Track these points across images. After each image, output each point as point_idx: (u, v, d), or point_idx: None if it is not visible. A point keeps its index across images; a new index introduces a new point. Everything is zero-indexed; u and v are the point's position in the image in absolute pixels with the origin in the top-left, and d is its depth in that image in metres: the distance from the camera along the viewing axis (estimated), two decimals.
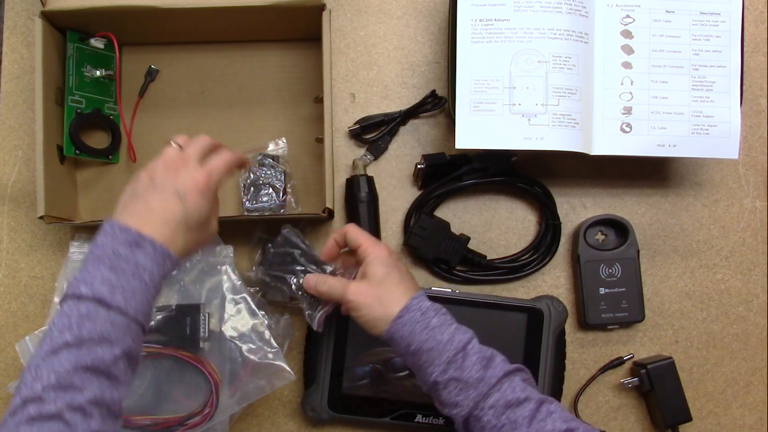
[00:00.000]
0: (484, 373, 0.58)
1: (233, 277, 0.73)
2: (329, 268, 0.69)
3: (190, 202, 0.57)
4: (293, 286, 0.69)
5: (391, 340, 0.62)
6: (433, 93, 0.78)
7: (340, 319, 0.73)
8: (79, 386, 0.50)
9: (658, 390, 0.74)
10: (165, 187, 0.57)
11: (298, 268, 0.69)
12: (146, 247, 0.54)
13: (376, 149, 0.79)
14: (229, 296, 0.72)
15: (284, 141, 0.77)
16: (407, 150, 0.79)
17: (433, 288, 0.75)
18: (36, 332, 0.70)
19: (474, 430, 0.59)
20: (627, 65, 0.71)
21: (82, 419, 0.49)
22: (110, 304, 0.52)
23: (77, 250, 0.74)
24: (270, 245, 0.72)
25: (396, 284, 0.62)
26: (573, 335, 0.78)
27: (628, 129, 0.70)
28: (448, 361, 0.58)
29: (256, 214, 0.75)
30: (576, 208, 0.79)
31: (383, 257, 0.64)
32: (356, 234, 0.66)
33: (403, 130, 0.80)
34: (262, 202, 0.75)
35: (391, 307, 0.61)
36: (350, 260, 0.68)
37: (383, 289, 0.62)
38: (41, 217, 0.69)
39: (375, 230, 0.75)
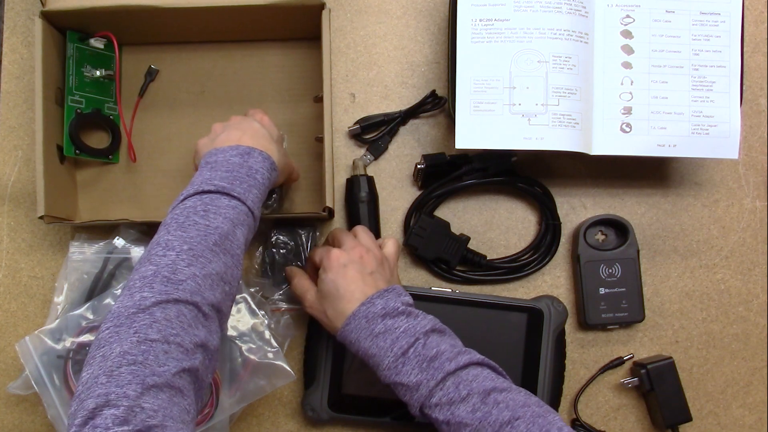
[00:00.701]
0: (423, 377, 0.59)
1: None
2: None
3: (265, 123, 0.67)
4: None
5: (342, 343, 0.64)
6: (433, 93, 0.78)
7: None
8: (209, 258, 0.54)
9: (658, 390, 0.74)
10: (240, 121, 0.65)
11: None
12: (255, 155, 0.61)
13: (376, 149, 0.79)
14: None
15: (285, 137, 0.77)
16: (407, 150, 0.79)
17: (433, 288, 0.75)
18: (36, 332, 0.70)
19: (434, 424, 0.60)
20: (627, 65, 0.71)
21: (210, 287, 0.53)
22: (231, 193, 0.58)
23: (77, 250, 0.74)
24: (273, 234, 0.74)
25: (337, 297, 0.63)
26: (573, 335, 0.78)
27: (628, 129, 0.70)
28: (388, 367, 0.60)
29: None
30: (576, 208, 0.79)
31: (328, 266, 0.64)
32: (331, 237, 0.69)
33: (403, 130, 0.80)
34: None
35: (335, 321, 0.63)
36: None
37: (327, 304, 0.64)
38: (41, 217, 0.69)
39: (375, 230, 0.75)
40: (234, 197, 0.57)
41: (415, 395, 0.59)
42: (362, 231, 0.69)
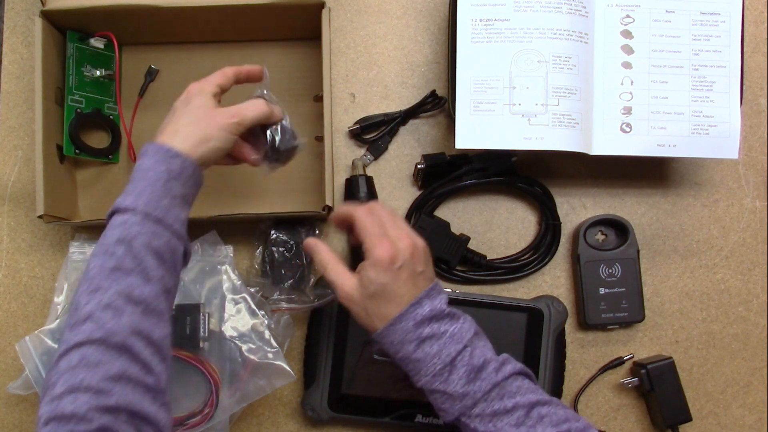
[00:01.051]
0: (470, 388, 0.57)
1: (233, 277, 0.73)
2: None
3: (180, 102, 0.62)
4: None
5: (379, 342, 0.60)
6: (433, 93, 0.78)
7: (340, 320, 0.73)
8: (105, 287, 0.52)
9: (658, 390, 0.74)
10: (180, 107, 0.62)
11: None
12: (149, 152, 0.58)
13: (376, 149, 0.79)
14: (229, 296, 0.72)
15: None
16: (407, 150, 0.79)
17: None
18: (36, 332, 0.70)
19: (461, 429, 0.59)
20: (627, 65, 0.71)
21: (112, 316, 0.51)
22: (122, 207, 0.56)
23: (77, 250, 0.74)
24: (273, 233, 0.74)
25: (386, 300, 0.58)
26: (573, 335, 0.78)
27: (628, 129, 0.70)
28: (434, 374, 0.57)
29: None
30: (576, 208, 0.79)
31: (383, 265, 0.58)
32: (362, 229, 0.60)
33: (403, 130, 0.80)
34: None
35: (377, 322, 0.58)
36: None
37: (371, 303, 0.58)
38: (40, 216, 0.69)
39: None
40: (127, 211, 0.55)
41: (458, 405, 0.57)
42: (398, 215, 0.62)
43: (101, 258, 0.54)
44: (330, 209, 0.69)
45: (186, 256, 0.59)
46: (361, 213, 0.60)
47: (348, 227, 0.63)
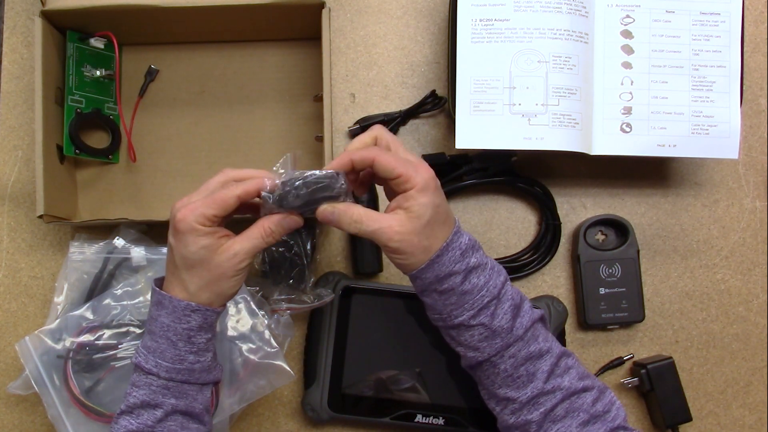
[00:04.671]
0: (513, 323, 0.55)
1: None
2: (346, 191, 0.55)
3: (176, 242, 0.55)
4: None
5: (417, 278, 0.55)
6: (433, 93, 0.78)
7: (340, 319, 0.73)
8: None
9: (658, 390, 0.74)
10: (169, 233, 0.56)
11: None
12: (166, 305, 0.56)
13: None
14: None
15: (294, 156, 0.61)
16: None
17: None
18: (36, 332, 0.70)
19: (485, 373, 0.57)
20: (627, 65, 0.71)
21: None
22: (145, 369, 0.56)
23: (77, 250, 0.74)
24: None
25: (440, 223, 0.54)
26: (573, 335, 0.78)
27: (628, 129, 0.70)
28: (481, 307, 0.55)
29: None
30: (576, 208, 0.79)
31: (431, 187, 0.53)
32: (390, 163, 0.53)
33: (403, 130, 0.80)
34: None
35: (431, 250, 0.54)
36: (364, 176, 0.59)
37: (429, 233, 0.53)
38: (40, 216, 0.69)
39: None
40: (150, 373, 0.56)
41: (498, 342, 0.55)
42: (399, 140, 0.58)
43: (126, 419, 0.55)
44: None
45: (218, 383, 0.60)
46: (378, 152, 0.54)
47: (359, 171, 0.57)
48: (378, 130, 0.57)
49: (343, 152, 0.55)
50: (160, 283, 0.58)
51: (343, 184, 0.54)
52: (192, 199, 0.55)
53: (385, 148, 0.56)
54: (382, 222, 0.53)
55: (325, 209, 0.55)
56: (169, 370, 0.55)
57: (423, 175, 0.54)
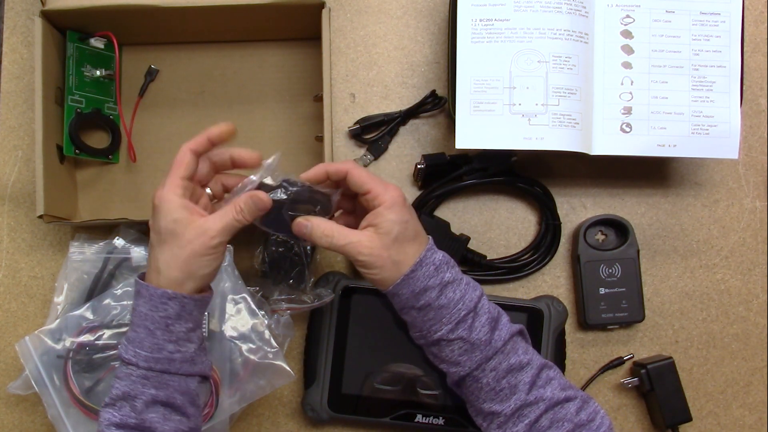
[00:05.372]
0: (492, 336, 0.56)
1: (233, 277, 0.73)
2: (332, 194, 0.58)
3: (152, 220, 0.55)
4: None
5: (395, 295, 0.57)
6: (433, 93, 0.78)
7: (340, 319, 0.73)
8: None
9: (658, 390, 0.74)
10: (155, 238, 0.56)
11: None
12: (143, 293, 0.55)
13: (376, 149, 0.79)
14: (229, 296, 0.72)
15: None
16: (407, 150, 0.79)
17: None
18: (36, 332, 0.70)
19: (468, 389, 0.58)
20: (627, 65, 0.71)
21: None
22: (125, 359, 0.55)
23: (77, 250, 0.74)
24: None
25: (410, 240, 0.56)
26: (573, 335, 0.78)
27: (628, 129, 0.70)
28: (458, 320, 0.56)
29: None
30: (576, 208, 0.79)
31: (398, 207, 0.56)
32: (362, 177, 0.57)
33: (403, 130, 0.80)
34: None
35: (403, 267, 0.56)
36: (344, 202, 0.62)
37: (397, 249, 0.56)
38: (40, 216, 0.69)
39: None
40: (130, 364, 0.55)
41: (478, 355, 0.56)
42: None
43: (109, 412, 0.55)
44: None
45: (206, 379, 0.59)
46: (353, 165, 0.58)
47: (334, 183, 0.59)
48: (353, 167, 0.58)
49: (319, 164, 0.58)
50: (142, 276, 0.57)
51: (330, 207, 0.58)
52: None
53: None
54: (352, 237, 0.56)
55: (299, 222, 0.57)
56: (147, 359, 0.54)
57: (391, 192, 0.56)
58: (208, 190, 0.60)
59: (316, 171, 0.58)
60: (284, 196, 0.57)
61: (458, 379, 0.58)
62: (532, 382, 0.56)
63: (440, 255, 0.58)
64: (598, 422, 0.57)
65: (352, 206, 0.62)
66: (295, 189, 0.57)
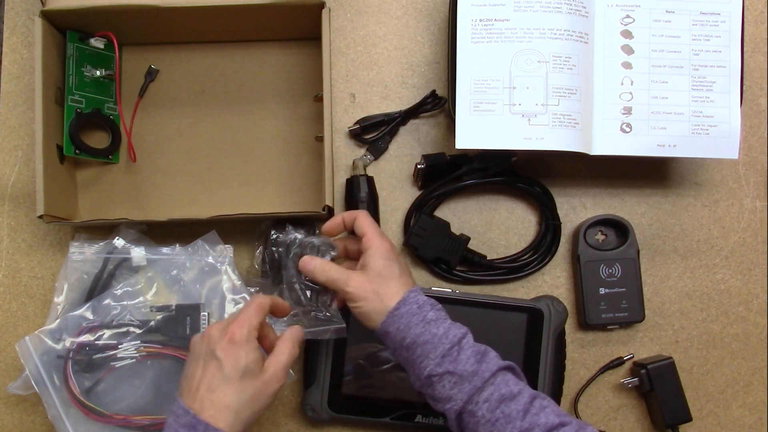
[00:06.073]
0: (479, 367, 0.58)
1: (233, 277, 0.73)
2: (332, 254, 0.68)
3: (227, 355, 0.56)
4: (291, 271, 0.68)
5: (385, 333, 0.62)
6: (433, 93, 0.78)
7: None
8: None
9: (658, 390, 0.74)
10: (204, 354, 0.57)
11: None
12: (200, 430, 0.54)
13: (376, 149, 0.79)
14: (229, 296, 0.72)
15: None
16: (407, 150, 0.79)
17: (433, 288, 0.75)
18: (36, 332, 0.70)
19: (468, 426, 0.59)
20: (627, 65, 0.71)
21: None
22: None
23: (77, 250, 0.74)
24: (273, 233, 0.72)
25: (395, 277, 0.63)
26: (573, 335, 0.78)
27: (628, 129, 0.70)
28: (443, 354, 0.59)
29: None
30: (576, 208, 0.79)
31: (384, 250, 0.64)
32: (365, 222, 0.66)
33: (403, 130, 0.80)
34: None
35: (387, 300, 0.61)
36: (352, 246, 0.69)
37: (381, 282, 0.62)
38: (40, 216, 0.69)
39: None
40: None
41: (467, 387, 0.58)
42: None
43: None
44: (330, 209, 0.69)
45: None
46: (365, 214, 0.67)
47: (348, 228, 0.68)
48: (362, 213, 0.67)
49: (336, 216, 0.68)
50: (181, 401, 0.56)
51: (334, 254, 0.68)
52: (226, 321, 0.60)
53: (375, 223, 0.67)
54: (343, 273, 0.64)
55: (305, 259, 0.67)
56: None
57: (383, 240, 0.65)
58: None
59: (333, 223, 0.68)
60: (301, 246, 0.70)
61: (456, 417, 0.59)
62: (526, 409, 0.57)
63: (424, 298, 0.62)
64: None
65: (357, 256, 0.67)
66: (312, 244, 0.69)
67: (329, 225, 0.68)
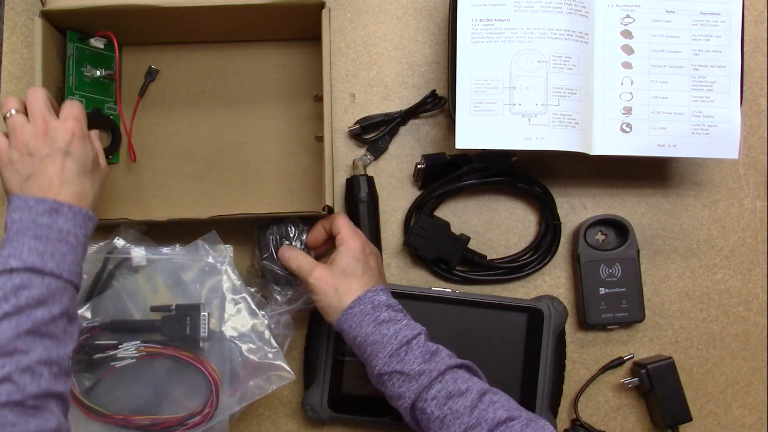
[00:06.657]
0: (426, 367, 0.59)
1: (233, 277, 0.73)
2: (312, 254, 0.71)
3: (76, 151, 0.60)
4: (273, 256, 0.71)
5: (340, 330, 0.64)
6: (433, 93, 0.78)
7: None
8: (24, 349, 0.52)
9: (658, 390, 0.74)
10: (48, 152, 0.59)
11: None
12: (65, 212, 0.57)
13: (376, 149, 0.79)
14: (229, 296, 0.72)
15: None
16: (407, 150, 0.79)
17: (433, 288, 0.75)
18: None
19: (421, 422, 0.60)
20: (627, 65, 0.71)
21: (31, 379, 0.52)
22: (44, 270, 0.54)
23: None
24: (267, 230, 0.73)
25: (356, 276, 0.64)
26: (573, 335, 0.78)
27: (628, 129, 0.70)
28: (391, 354, 0.60)
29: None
30: (576, 208, 0.79)
31: (354, 249, 0.65)
32: (340, 222, 0.68)
33: (403, 130, 0.80)
34: None
35: (344, 298, 0.63)
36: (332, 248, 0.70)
37: (342, 280, 0.64)
38: None
39: (375, 230, 0.75)
40: (47, 273, 0.54)
41: (414, 385, 0.59)
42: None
43: (12, 318, 0.53)
44: (330, 209, 0.69)
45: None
46: (342, 215, 0.69)
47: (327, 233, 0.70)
48: (339, 215, 0.69)
49: (316, 224, 0.71)
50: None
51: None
52: (43, 114, 0.61)
53: (350, 223, 0.69)
54: (310, 264, 0.66)
55: (284, 248, 0.70)
56: (70, 273, 0.56)
57: (355, 238, 0.66)
58: None
59: (314, 234, 0.70)
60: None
61: (409, 414, 0.61)
62: (473, 405, 0.58)
63: (383, 298, 0.63)
64: None
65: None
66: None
67: (311, 237, 0.70)
